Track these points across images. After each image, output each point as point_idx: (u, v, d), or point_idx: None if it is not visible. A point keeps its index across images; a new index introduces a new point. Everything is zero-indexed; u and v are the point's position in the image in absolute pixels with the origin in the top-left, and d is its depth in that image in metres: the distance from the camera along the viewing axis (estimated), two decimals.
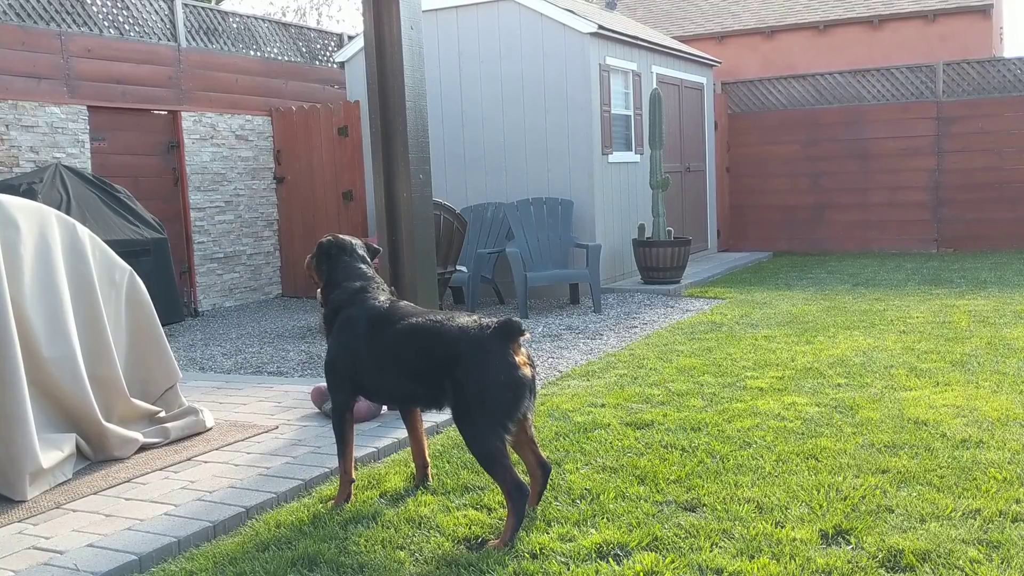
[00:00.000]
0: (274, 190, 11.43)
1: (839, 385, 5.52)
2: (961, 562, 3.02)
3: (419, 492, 3.91)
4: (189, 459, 4.44)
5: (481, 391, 3.40)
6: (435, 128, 10.24)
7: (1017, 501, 3.52)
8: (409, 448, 4.17)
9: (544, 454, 3.76)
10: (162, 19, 10.24)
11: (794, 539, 3.26)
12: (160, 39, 10.17)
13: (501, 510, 3.63)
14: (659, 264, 10.22)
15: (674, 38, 15.47)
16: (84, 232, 4.59)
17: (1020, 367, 5.76)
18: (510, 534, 3.31)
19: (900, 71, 13.51)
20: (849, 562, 3.07)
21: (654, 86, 11.49)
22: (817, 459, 4.12)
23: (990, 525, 3.31)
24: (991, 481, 3.74)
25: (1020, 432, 4.39)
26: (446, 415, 4.51)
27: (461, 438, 3.67)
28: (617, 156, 10.67)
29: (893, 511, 3.48)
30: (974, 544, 3.16)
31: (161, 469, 4.30)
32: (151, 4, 10.11)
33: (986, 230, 13.02)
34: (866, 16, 15.88)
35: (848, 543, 3.23)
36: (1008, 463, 3.95)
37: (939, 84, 13.23)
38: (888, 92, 13.57)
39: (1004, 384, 5.34)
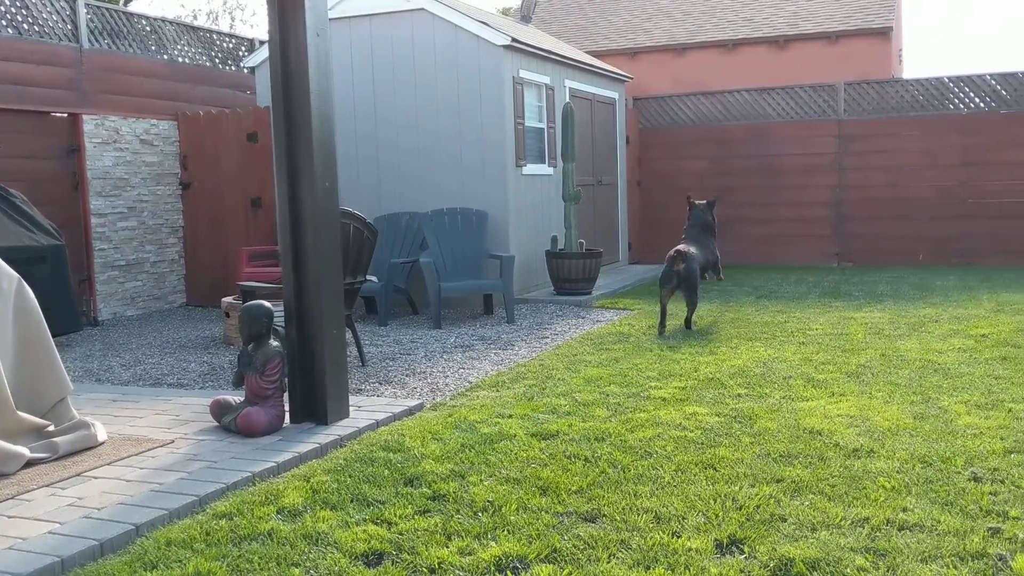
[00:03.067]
0: (180, 196, 11.15)
1: (739, 395, 5.63)
2: (849, 570, 3.10)
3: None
4: (78, 475, 4.27)
5: None
6: (347, 126, 10.17)
7: (904, 510, 3.63)
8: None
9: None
10: (63, 19, 9.90)
11: (689, 549, 3.30)
12: (61, 40, 9.83)
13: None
14: (571, 275, 10.31)
15: (588, 53, 15.65)
16: None
17: (911, 378, 5.98)
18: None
19: (803, 90, 13.93)
20: (741, 571, 3.12)
21: (567, 100, 11.59)
22: (715, 468, 4.19)
23: (878, 533, 3.41)
24: (880, 490, 3.86)
25: (909, 442, 4.55)
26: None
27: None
28: (531, 168, 10.73)
29: (786, 520, 3.56)
30: (862, 552, 3.25)
31: (48, 485, 4.13)
32: (52, 4, 9.76)
33: (883, 245, 13.50)
34: (772, 36, 16.33)
35: (742, 552, 3.29)
36: (897, 472, 4.08)
37: (840, 103, 13.68)
38: (792, 110, 13.98)
39: (896, 395, 5.53)
